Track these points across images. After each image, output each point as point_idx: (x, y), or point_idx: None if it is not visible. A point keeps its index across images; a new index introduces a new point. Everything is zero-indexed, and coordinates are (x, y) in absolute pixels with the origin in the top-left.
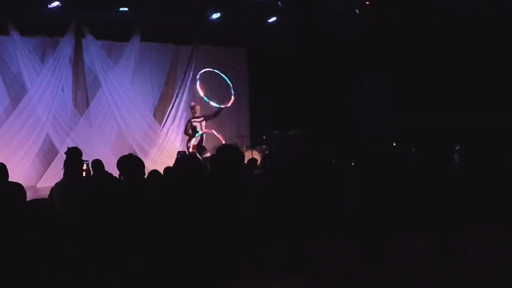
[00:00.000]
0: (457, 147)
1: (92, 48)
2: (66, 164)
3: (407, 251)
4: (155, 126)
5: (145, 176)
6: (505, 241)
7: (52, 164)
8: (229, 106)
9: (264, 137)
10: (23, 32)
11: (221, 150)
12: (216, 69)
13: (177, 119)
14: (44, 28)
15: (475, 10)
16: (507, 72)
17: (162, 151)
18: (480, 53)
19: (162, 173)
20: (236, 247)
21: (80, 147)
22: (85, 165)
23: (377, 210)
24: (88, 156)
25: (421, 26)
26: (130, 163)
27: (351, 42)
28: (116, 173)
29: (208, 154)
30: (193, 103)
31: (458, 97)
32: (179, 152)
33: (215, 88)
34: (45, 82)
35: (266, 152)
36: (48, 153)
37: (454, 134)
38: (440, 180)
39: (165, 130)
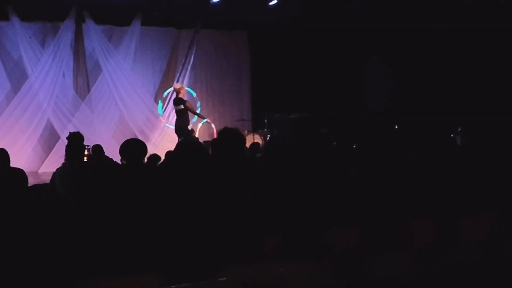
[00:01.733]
0: (459, 129)
1: (93, 33)
2: (68, 149)
3: (409, 234)
4: (156, 111)
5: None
6: (503, 226)
7: (53, 149)
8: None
9: (265, 120)
10: (24, 18)
11: (223, 134)
12: (218, 53)
13: None
14: (44, 14)
15: None
16: None
17: (164, 135)
18: (489, 34)
19: (162, 157)
20: (239, 231)
21: (81, 132)
22: (86, 150)
23: (378, 193)
24: (89, 141)
25: (426, 7)
26: (132, 147)
27: (353, 24)
28: (117, 157)
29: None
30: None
31: (464, 81)
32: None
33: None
34: (46, 68)
35: (269, 136)
36: (49, 139)
37: (458, 116)
38: (441, 162)
39: (166, 115)
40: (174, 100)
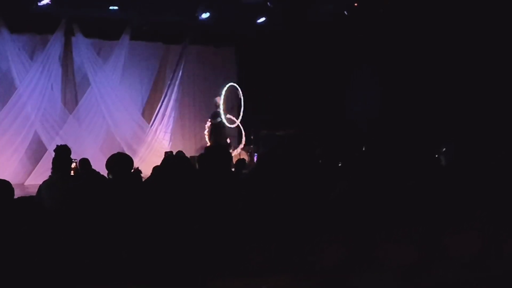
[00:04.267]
0: (443, 149)
1: (82, 46)
2: (55, 162)
3: (393, 253)
4: (144, 125)
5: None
6: (489, 242)
7: (40, 162)
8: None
9: (252, 137)
10: (13, 30)
11: (209, 150)
12: (206, 68)
13: (165, 118)
14: (34, 26)
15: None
16: (501, 70)
17: (151, 150)
18: (473, 49)
19: (149, 172)
20: (225, 245)
21: (68, 145)
22: (73, 163)
23: (364, 211)
24: (76, 154)
25: (411, 24)
26: (119, 161)
27: (340, 41)
28: (103, 171)
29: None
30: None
31: (451, 93)
32: (166, 153)
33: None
34: (35, 80)
35: (260, 152)
36: (36, 151)
37: (445, 131)
38: (426, 181)
39: (154, 129)
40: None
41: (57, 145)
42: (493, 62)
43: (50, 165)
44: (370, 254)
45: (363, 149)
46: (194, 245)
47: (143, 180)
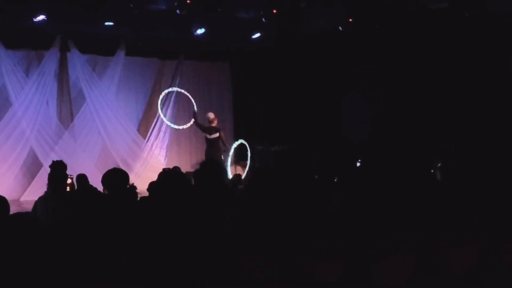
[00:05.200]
0: (439, 164)
1: (77, 62)
2: (50, 178)
3: (389, 268)
4: (139, 141)
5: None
6: (485, 256)
7: (36, 177)
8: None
9: (247, 152)
10: (8, 45)
11: (205, 165)
12: (201, 84)
13: (161, 133)
14: (29, 42)
15: (457, 28)
16: (491, 89)
17: (146, 165)
18: (464, 69)
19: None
20: (220, 260)
21: (64, 161)
22: (69, 179)
23: (360, 226)
24: (72, 170)
25: (405, 43)
26: (114, 177)
27: (333, 57)
28: (99, 186)
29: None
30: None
31: (441, 112)
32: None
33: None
34: (30, 96)
35: (256, 167)
36: (32, 167)
37: (437, 149)
38: (421, 196)
39: (149, 145)
40: (208, 128)
41: (52, 161)
42: (488, 85)
43: (46, 181)
44: (365, 271)
45: (358, 164)
46: (189, 262)
47: (139, 196)
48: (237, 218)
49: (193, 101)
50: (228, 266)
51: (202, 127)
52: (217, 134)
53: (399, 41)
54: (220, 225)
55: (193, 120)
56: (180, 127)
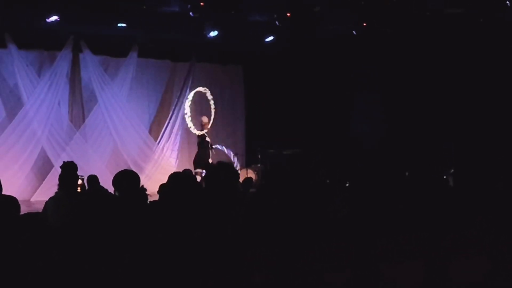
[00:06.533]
0: (452, 171)
1: (89, 63)
2: (61, 178)
3: (398, 276)
4: (151, 143)
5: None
6: (494, 268)
7: (47, 178)
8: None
9: (259, 156)
10: (21, 46)
11: (216, 168)
12: (213, 86)
13: (172, 135)
14: (42, 42)
15: (473, 33)
16: (502, 92)
17: (157, 167)
18: (477, 72)
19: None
20: (229, 265)
21: (75, 161)
22: (80, 180)
23: (370, 232)
24: (83, 171)
25: (418, 48)
26: (125, 178)
27: (346, 61)
28: (109, 187)
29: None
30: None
31: (455, 115)
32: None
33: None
34: (42, 96)
35: (267, 169)
36: (42, 167)
37: (451, 153)
38: (432, 203)
39: (161, 147)
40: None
41: (63, 162)
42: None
43: (57, 182)
44: (373, 279)
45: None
46: (200, 264)
47: (149, 198)
48: (240, 218)
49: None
50: (234, 267)
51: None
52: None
53: (412, 45)
54: (230, 228)
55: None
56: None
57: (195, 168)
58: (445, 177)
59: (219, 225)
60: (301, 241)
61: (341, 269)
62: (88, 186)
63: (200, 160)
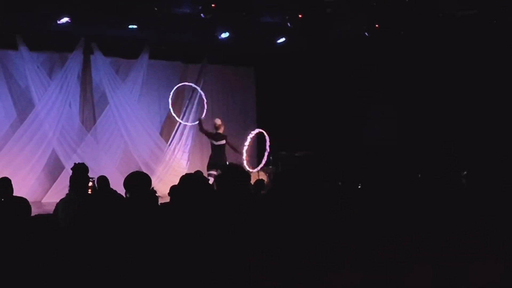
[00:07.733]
0: (465, 172)
1: (101, 64)
2: (72, 180)
3: (410, 279)
4: (162, 144)
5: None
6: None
7: (58, 179)
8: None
9: (271, 157)
10: (32, 47)
11: (227, 170)
12: (225, 88)
13: (183, 137)
14: (52, 44)
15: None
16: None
17: (168, 169)
18: (490, 78)
19: (167, 191)
20: (229, 265)
21: (86, 163)
22: (90, 181)
23: (381, 236)
24: (94, 172)
25: (431, 50)
26: (137, 180)
27: (358, 63)
28: (120, 189)
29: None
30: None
31: (465, 116)
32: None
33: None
34: (53, 98)
35: (278, 171)
36: (54, 169)
37: (463, 158)
38: (445, 206)
39: (172, 148)
40: (215, 135)
41: (74, 163)
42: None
43: (68, 183)
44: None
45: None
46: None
47: (160, 199)
48: (243, 218)
49: (205, 106)
50: (234, 267)
51: (208, 133)
52: (223, 141)
53: (424, 48)
54: (232, 228)
55: (197, 124)
56: (186, 123)
57: (208, 170)
58: (460, 177)
59: (222, 226)
60: (306, 242)
61: (354, 270)
62: (98, 187)
63: (215, 162)
